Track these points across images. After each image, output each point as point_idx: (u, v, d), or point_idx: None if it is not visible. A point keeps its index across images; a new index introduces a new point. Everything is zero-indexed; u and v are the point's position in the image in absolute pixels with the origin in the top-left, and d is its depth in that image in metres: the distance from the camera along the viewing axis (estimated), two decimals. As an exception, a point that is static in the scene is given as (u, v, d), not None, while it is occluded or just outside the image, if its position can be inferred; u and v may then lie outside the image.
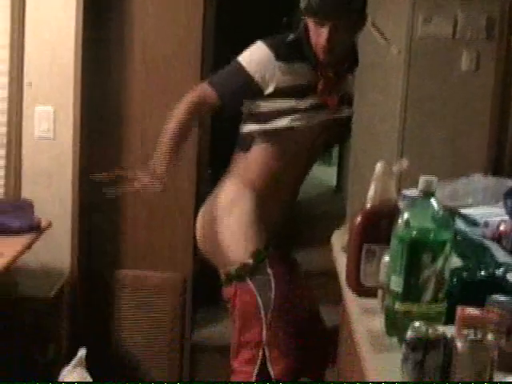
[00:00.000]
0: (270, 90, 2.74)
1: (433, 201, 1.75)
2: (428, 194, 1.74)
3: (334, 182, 5.66)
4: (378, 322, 1.84)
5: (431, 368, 1.50)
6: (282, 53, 2.74)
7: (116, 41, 3.57)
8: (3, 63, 3.34)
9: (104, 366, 3.49)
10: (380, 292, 1.94)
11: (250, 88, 2.76)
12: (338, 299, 2.64)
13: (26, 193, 3.41)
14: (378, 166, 2.10)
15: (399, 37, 3.49)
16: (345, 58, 2.87)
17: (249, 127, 2.86)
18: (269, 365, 2.76)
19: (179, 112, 2.73)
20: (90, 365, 2.98)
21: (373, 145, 3.75)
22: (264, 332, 2.75)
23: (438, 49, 3.46)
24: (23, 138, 3.43)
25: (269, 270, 2.77)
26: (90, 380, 2.89)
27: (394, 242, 1.76)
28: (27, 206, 3.15)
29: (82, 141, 3.43)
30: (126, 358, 3.78)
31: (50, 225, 3.20)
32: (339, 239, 2.58)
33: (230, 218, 2.83)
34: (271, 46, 2.74)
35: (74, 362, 2.94)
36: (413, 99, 3.49)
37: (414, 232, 1.73)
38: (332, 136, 2.99)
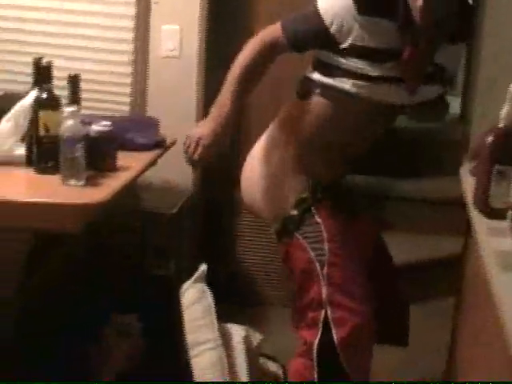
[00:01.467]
0: (345, 44, 2.35)
1: None
2: None
3: (457, 110, 5.53)
4: (507, 243, 1.81)
5: None
6: (367, 4, 2.30)
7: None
8: (132, -19, 3.37)
9: (222, 283, 3.56)
10: (510, 213, 1.90)
11: (323, 38, 2.37)
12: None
13: (152, 111, 3.47)
14: (513, 86, 2.03)
15: None
16: (448, 26, 2.36)
17: (311, 73, 2.52)
18: (332, 328, 2.36)
19: (247, 52, 2.46)
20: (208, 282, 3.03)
21: (502, 72, 3.63)
22: (324, 289, 2.40)
23: None
24: (149, 56, 3.48)
25: (318, 219, 2.46)
26: (210, 294, 2.93)
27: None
28: (153, 124, 3.19)
29: (207, 59, 3.45)
30: (243, 277, 3.84)
31: (174, 142, 3.24)
32: (467, 164, 2.53)
33: (269, 168, 2.56)
34: None
35: (194, 277, 2.99)
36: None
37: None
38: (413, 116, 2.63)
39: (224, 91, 2.48)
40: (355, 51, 2.34)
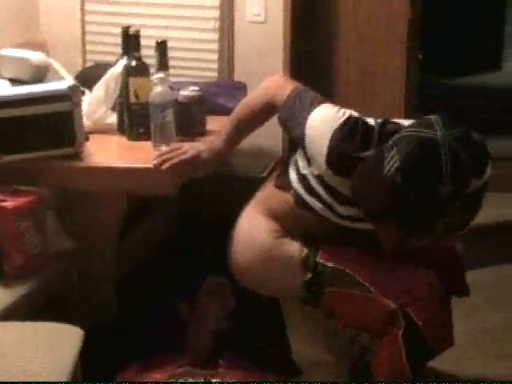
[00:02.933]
0: (315, 171, 2.30)
1: None
2: None
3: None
4: None
5: None
6: (341, 166, 2.20)
7: None
8: None
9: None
10: None
11: (299, 147, 2.36)
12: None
13: (239, 76, 3.47)
14: None
15: None
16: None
17: (291, 173, 2.43)
18: (415, 319, 2.27)
19: (257, 100, 2.47)
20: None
21: None
22: (388, 304, 2.30)
23: None
24: (235, 21, 3.48)
25: (329, 264, 2.38)
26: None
27: None
28: (240, 88, 3.21)
29: (293, 23, 3.44)
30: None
31: (263, 106, 3.25)
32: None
33: (258, 254, 2.47)
34: (332, 151, 2.19)
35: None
36: None
37: None
38: None
39: (226, 126, 2.53)
40: (323, 183, 2.29)
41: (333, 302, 2.42)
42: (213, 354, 2.62)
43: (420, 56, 4.07)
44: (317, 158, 2.24)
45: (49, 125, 2.42)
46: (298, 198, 2.40)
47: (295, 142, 2.40)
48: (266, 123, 3.00)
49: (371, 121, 2.27)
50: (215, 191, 3.37)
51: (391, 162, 2.05)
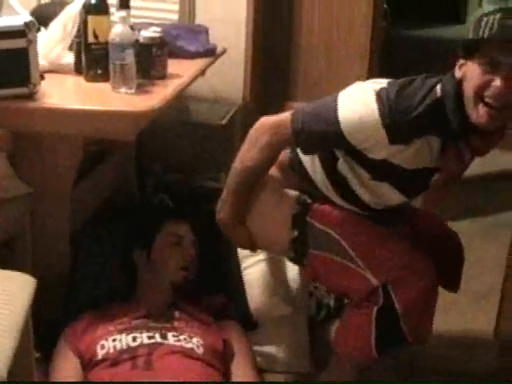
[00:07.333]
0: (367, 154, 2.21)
1: None
2: None
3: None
4: None
5: None
6: (402, 136, 2.11)
7: None
8: None
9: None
10: None
11: (341, 147, 2.24)
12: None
13: (200, 19, 3.39)
14: None
15: None
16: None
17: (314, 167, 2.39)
18: (395, 301, 2.21)
19: (253, 153, 2.32)
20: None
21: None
22: (370, 279, 2.23)
23: None
24: (198, -38, 3.39)
25: (318, 225, 2.32)
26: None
27: None
28: (202, 32, 3.10)
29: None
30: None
31: (224, 51, 3.15)
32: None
33: (256, 207, 2.43)
34: (388, 126, 2.08)
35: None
36: None
37: None
38: None
39: (227, 188, 2.43)
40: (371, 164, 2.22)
41: (315, 264, 2.38)
42: (169, 306, 2.54)
43: (385, 6, 4.02)
44: (372, 138, 2.13)
45: (1, 63, 2.29)
46: (308, 185, 2.39)
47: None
48: (224, 69, 2.90)
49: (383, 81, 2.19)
50: (173, 139, 3.30)
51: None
